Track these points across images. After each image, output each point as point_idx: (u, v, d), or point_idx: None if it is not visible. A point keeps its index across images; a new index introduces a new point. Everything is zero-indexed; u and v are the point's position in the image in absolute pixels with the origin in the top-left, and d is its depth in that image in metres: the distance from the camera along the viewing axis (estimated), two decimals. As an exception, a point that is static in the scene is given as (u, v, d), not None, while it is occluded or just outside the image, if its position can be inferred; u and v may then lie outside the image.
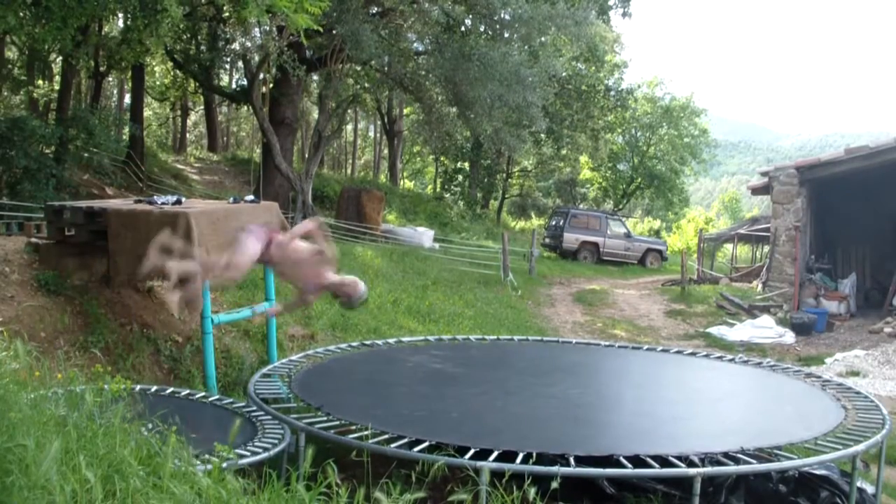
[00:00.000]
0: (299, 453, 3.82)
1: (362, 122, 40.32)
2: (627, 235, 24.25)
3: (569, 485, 3.74)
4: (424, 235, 19.91)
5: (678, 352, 7.17)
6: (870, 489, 4.47)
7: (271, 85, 18.85)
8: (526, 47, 17.43)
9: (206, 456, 2.88)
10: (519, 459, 3.54)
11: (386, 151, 37.06)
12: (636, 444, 3.99)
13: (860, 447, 4.00)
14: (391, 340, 6.79)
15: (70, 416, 2.57)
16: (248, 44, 17.12)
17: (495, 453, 3.58)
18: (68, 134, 14.15)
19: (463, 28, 18.16)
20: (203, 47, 20.35)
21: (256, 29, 16.65)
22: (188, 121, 35.48)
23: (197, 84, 25.09)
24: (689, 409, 5.00)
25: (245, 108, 26.65)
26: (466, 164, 34.03)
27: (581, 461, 3.63)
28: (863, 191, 14.85)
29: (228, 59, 23.24)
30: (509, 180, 35.37)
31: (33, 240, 5.99)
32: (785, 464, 3.86)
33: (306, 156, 25.25)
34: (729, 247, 23.89)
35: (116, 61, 16.89)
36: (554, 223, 25.12)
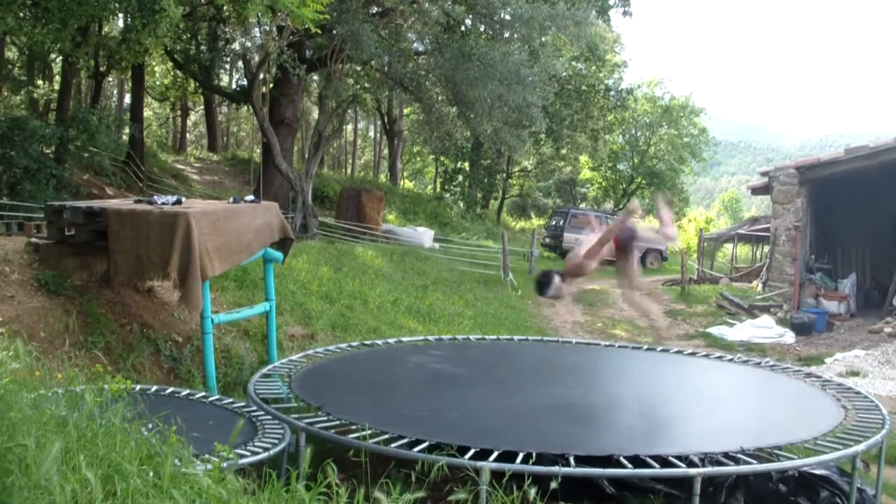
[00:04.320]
0: (299, 453, 3.82)
1: (362, 122, 40.32)
2: (627, 235, 24.21)
3: (569, 485, 3.74)
4: (424, 235, 19.91)
5: (678, 352, 7.18)
6: (870, 489, 4.47)
7: (271, 85, 18.83)
8: (526, 47, 17.40)
9: (207, 456, 2.88)
10: (519, 459, 3.54)
11: (386, 151, 37.05)
12: (636, 444, 3.99)
13: (860, 447, 4.00)
14: (391, 340, 6.79)
15: (70, 416, 2.57)
16: (248, 44, 17.11)
17: (495, 453, 3.58)
18: (68, 134, 14.13)
19: (463, 28, 18.15)
20: (203, 47, 20.33)
21: (256, 29, 16.65)
22: (188, 121, 35.47)
23: (197, 84, 25.07)
24: (689, 409, 5.00)
25: (245, 108, 26.64)
26: (466, 164, 34.02)
27: (581, 461, 3.63)
28: (863, 191, 14.82)
29: (228, 59, 23.24)
30: (509, 180, 35.37)
31: (33, 240, 5.98)
32: (785, 464, 3.85)
33: (306, 156, 25.21)
34: (729, 247, 23.89)
35: (116, 61, 16.88)
36: (554, 223, 25.11)
